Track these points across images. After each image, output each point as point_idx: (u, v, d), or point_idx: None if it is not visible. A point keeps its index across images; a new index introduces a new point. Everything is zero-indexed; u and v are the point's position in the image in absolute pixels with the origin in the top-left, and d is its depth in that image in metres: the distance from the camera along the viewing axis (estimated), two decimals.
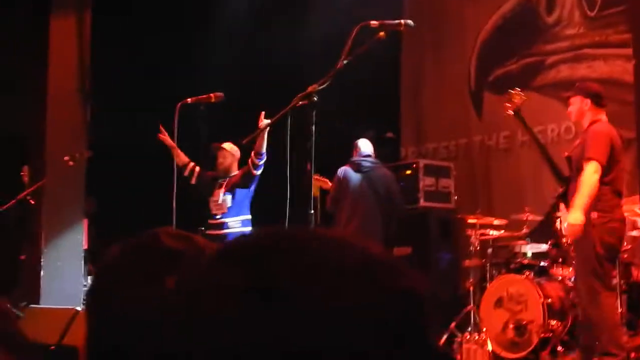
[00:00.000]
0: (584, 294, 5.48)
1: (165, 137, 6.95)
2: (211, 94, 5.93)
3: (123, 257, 1.44)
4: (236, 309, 0.92)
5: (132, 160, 7.98)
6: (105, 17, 8.10)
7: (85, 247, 7.64)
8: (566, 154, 5.72)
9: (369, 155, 7.59)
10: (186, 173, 7.14)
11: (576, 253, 5.58)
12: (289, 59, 9.02)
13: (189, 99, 5.92)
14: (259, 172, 6.94)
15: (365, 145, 7.66)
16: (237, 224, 6.99)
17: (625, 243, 6.54)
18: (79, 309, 4.24)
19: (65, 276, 7.35)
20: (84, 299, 7.33)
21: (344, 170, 7.39)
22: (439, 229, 8.42)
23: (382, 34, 4.36)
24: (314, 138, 4.25)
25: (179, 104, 5.87)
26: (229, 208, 7.01)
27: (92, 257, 7.68)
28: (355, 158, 7.51)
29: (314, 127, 4.22)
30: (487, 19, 9.80)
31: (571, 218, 5.38)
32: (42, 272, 7.27)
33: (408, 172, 8.65)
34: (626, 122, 7.66)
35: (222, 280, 0.94)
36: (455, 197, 8.73)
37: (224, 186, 7.10)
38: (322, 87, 4.21)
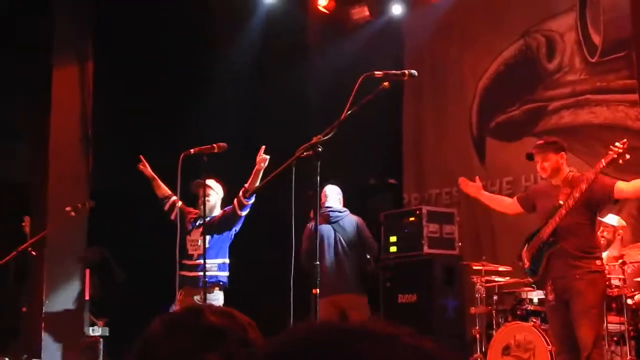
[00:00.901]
0: (590, 340, 5.43)
1: (145, 167, 6.78)
2: (214, 144, 5.88)
3: (165, 331, 1.41)
4: None
5: (135, 210, 7.93)
6: (108, 67, 8.14)
7: (87, 297, 7.58)
8: (556, 203, 5.70)
9: (331, 207, 7.86)
10: (166, 207, 6.86)
11: (582, 299, 5.52)
12: (293, 111, 9.06)
13: (191, 150, 5.90)
14: (244, 212, 6.64)
15: (331, 194, 7.90)
16: (214, 267, 6.54)
17: (632, 289, 6.53)
18: None
19: (68, 327, 7.28)
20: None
21: (312, 224, 7.42)
22: (443, 275, 8.36)
23: (386, 84, 4.37)
24: (318, 188, 4.23)
25: (182, 154, 5.85)
26: (206, 249, 6.39)
27: (94, 307, 7.62)
28: (322, 209, 7.55)
29: (318, 178, 4.20)
30: (487, 65, 9.86)
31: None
32: (42, 324, 7.20)
33: (412, 218, 8.61)
34: (630, 167, 7.65)
35: None
36: (459, 244, 8.68)
37: (203, 225, 6.55)
38: (326, 137, 4.20)
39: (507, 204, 6.44)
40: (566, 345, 5.62)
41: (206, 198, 6.42)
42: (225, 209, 6.78)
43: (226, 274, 6.66)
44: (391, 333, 0.95)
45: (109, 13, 8.41)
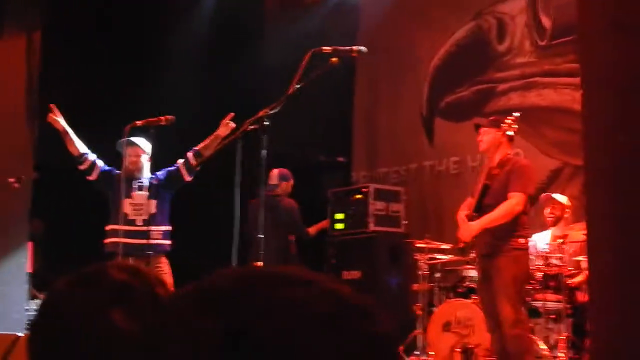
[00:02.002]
0: (509, 317, 5.48)
1: (55, 119, 6.16)
2: (162, 117, 5.81)
3: (70, 289, 1.40)
4: (208, 354, 0.90)
5: (79, 182, 7.82)
6: (56, 38, 7.99)
7: (30, 270, 7.48)
8: (484, 182, 5.76)
9: (275, 186, 8.02)
10: (83, 167, 6.27)
11: (503, 276, 5.56)
12: (247, 86, 9.00)
13: (138, 122, 5.84)
14: (191, 178, 6.18)
15: (274, 176, 8.07)
16: (160, 236, 6.07)
17: (571, 268, 6.67)
18: (20, 334, 4.12)
19: (8, 301, 7.18)
20: (27, 324, 7.17)
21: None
22: (388, 253, 8.42)
23: (334, 59, 4.38)
24: (264, 162, 4.23)
25: (128, 126, 5.79)
26: (151, 215, 6.03)
27: (36, 281, 7.52)
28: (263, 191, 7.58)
29: (265, 152, 4.20)
30: (439, 46, 9.90)
31: (474, 225, 5.67)
32: None
33: (358, 196, 8.65)
34: (574, 149, 7.77)
35: (195, 325, 0.92)
36: (405, 222, 8.75)
37: (145, 188, 6.11)
38: (273, 111, 4.20)
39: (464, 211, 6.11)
40: (495, 321, 5.66)
41: (136, 158, 6.10)
42: (169, 169, 6.28)
43: (170, 242, 6.21)
44: (311, 278, 0.96)
45: None
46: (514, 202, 5.62)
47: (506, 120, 5.78)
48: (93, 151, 6.35)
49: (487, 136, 5.85)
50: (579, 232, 6.58)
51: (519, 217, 5.73)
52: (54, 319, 1.37)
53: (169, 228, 6.21)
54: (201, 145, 6.14)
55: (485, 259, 5.76)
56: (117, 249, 5.87)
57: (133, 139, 6.06)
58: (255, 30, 10.06)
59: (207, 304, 0.93)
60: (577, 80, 8.06)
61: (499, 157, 5.81)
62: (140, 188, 6.11)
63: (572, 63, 8.22)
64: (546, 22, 8.86)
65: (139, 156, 6.17)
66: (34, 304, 7.29)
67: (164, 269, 6.08)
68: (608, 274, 3.00)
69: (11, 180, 6.77)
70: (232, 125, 5.95)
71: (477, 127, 6.00)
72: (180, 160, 6.22)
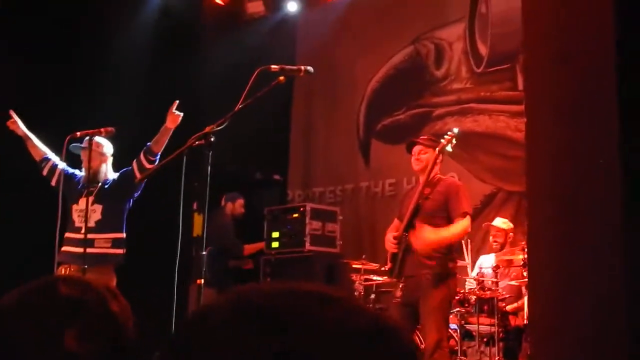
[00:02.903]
0: (432, 341, 5.42)
1: (15, 125, 6.01)
2: (101, 129, 5.72)
3: (16, 308, 1.33)
4: None
5: (19, 183, 7.58)
6: None
7: None
8: (416, 202, 5.68)
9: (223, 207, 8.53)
10: (44, 172, 6.05)
11: (429, 299, 5.50)
12: (184, 102, 8.92)
13: (78, 133, 5.73)
14: (140, 176, 5.77)
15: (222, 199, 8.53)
16: (106, 244, 5.72)
17: (504, 292, 6.79)
18: None
19: None
20: None
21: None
22: (324, 273, 8.44)
23: (281, 78, 4.38)
24: (209, 178, 4.21)
25: (68, 137, 5.69)
26: (97, 222, 5.70)
27: None
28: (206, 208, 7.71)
29: (209, 168, 4.18)
30: (377, 68, 10.01)
31: (430, 234, 5.54)
32: None
33: (295, 215, 8.66)
34: (508, 175, 7.95)
35: (238, 339, 0.91)
36: (340, 242, 8.79)
37: (94, 193, 5.79)
38: (219, 127, 4.18)
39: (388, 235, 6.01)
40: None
41: (91, 157, 5.72)
42: (122, 171, 6.01)
43: (122, 251, 5.81)
44: (338, 294, 0.98)
45: None
46: (467, 223, 5.60)
47: (446, 136, 5.83)
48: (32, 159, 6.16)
49: (424, 155, 5.84)
50: (514, 257, 6.72)
51: None
52: (3, 338, 1.30)
53: (121, 235, 5.84)
54: (153, 140, 5.91)
55: (410, 279, 5.65)
56: (64, 259, 5.71)
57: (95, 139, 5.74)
58: (194, 43, 10.01)
59: (253, 324, 0.91)
60: (511, 107, 8.32)
61: (428, 176, 5.80)
62: (90, 192, 5.73)
63: (507, 91, 8.41)
64: (483, 49, 9.05)
65: (94, 157, 5.83)
66: None
67: (110, 282, 5.54)
68: (549, 297, 3.07)
69: None
70: (179, 114, 5.78)
71: (411, 145, 5.94)
72: (134, 161, 5.99)
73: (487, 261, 7.21)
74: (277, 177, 10.52)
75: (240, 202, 8.61)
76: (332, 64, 10.36)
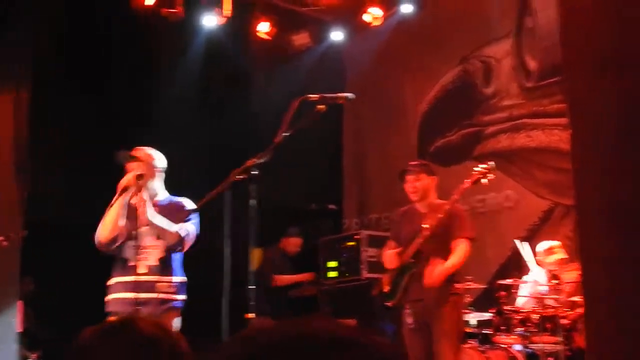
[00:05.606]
0: None
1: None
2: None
3: (97, 342, 1.36)
4: None
5: (69, 238, 7.74)
6: (45, 92, 7.99)
7: (20, 330, 7.37)
8: (426, 226, 5.70)
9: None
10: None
11: (443, 322, 5.57)
12: (236, 138, 9.00)
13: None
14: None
15: None
16: (171, 288, 5.01)
17: (567, 309, 6.61)
18: None
19: None
20: None
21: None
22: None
23: (322, 106, 4.35)
24: (254, 212, 4.18)
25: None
26: (162, 260, 5.00)
27: (27, 341, 7.40)
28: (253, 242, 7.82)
29: (254, 202, 4.16)
30: (427, 90, 9.96)
31: (441, 270, 5.61)
32: None
33: (350, 243, 8.61)
34: (565, 189, 7.77)
35: None
36: None
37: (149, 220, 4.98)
38: (261, 160, 4.16)
39: (390, 252, 6.03)
40: None
41: (138, 178, 4.96)
42: (177, 202, 5.26)
43: (184, 297, 5.11)
44: (351, 335, 0.95)
45: (47, 37, 8.28)
46: (467, 247, 5.70)
47: (479, 167, 5.79)
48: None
49: (420, 182, 5.87)
50: (573, 272, 6.54)
51: None
52: None
53: (184, 279, 5.19)
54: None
55: (419, 303, 5.70)
56: (116, 307, 5.05)
57: (137, 150, 5.22)
58: (244, 77, 10.09)
59: None
60: (565, 120, 8.14)
61: (427, 202, 5.85)
62: (144, 222, 5.11)
63: (559, 103, 8.26)
64: (532, 64, 8.92)
65: (142, 175, 5.09)
66: None
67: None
68: (603, 313, 2.96)
69: (0, 238, 6.70)
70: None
71: (403, 173, 6.00)
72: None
73: (539, 278, 7.04)
74: (332, 206, 10.48)
75: (294, 241, 8.64)
76: (381, 89, 10.35)
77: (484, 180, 5.78)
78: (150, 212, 5.03)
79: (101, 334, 1.40)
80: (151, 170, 5.17)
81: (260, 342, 0.94)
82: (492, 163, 5.89)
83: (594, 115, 3.16)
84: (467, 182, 5.80)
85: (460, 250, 5.67)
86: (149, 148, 5.29)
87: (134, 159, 5.13)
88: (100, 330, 1.41)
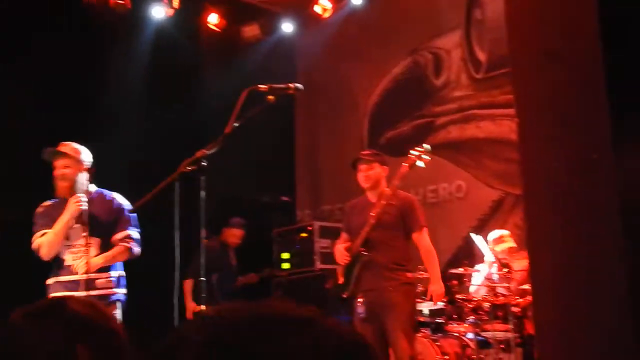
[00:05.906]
0: (407, 351, 5.47)
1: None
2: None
3: (27, 323, 1.33)
4: None
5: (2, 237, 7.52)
6: None
7: None
8: (373, 215, 5.73)
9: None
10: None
11: (397, 311, 5.55)
12: (185, 129, 8.93)
13: None
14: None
15: None
16: (108, 282, 5.03)
17: (517, 297, 6.70)
18: None
19: None
20: None
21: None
22: None
23: (271, 97, 4.33)
24: (203, 204, 4.15)
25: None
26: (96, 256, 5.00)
27: None
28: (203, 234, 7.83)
29: (203, 193, 4.13)
30: (377, 82, 9.99)
31: (437, 277, 5.78)
32: None
33: (303, 234, 8.63)
34: (515, 179, 7.86)
35: None
36: None
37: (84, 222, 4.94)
38: (210, 152, 4.14)
39: (339, 247, 6.02)
40: (384, 358, 5.60)
41: (62, 174, 5.03)
42: (110, 198, 5.27)
43: (124, 290, 5.15)
44: (310, 316, 0.97)
45: None
46: (427, 237, 5.79)
47: (415, 151, 5.84)
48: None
49: (372, 171, 5.91)
50: (523, 261, 6.63)
51: (407, 251, 5.80)
52: (12, 355, 1.29)
53: (122, 272, 5.20)
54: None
55: (371, 293, 5.68)
56: None
57: (63, 146, 5.16)
58: (194, 69, 10.02)
59: (225, 348, 0.90)
60: (513, 111, 8.24)
61: (377, 191, 5.88)
62: (83, 222, 5.10)
63: (508, 94, 8.35)
64: (481, 55, 9.01)
65: (66, 172, 5.14)
66: None
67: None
68: (550, 299, 3.01)
69: None
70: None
71: (356, 162, 6.03)
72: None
73: (485, 268, 7.12)
74: (285, 198, 10.48)
75: (236, 232, 8.38)
76: (332, 80, 10.36)
77: (419, 163, 5.84)
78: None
79: (32, 315, 1.36)
80: (79, 164, 5.14)
81: (219, 323, 0.94)
82: (427, 145, 5.95)
83: (538, 107, 3.20)
84: (405, 166, 5.84)
85: (426, 242, 5.76)
86: (75, 143, 5.23)
87: (61, 154, 5.09)
88: (31, 311, 1.37)
